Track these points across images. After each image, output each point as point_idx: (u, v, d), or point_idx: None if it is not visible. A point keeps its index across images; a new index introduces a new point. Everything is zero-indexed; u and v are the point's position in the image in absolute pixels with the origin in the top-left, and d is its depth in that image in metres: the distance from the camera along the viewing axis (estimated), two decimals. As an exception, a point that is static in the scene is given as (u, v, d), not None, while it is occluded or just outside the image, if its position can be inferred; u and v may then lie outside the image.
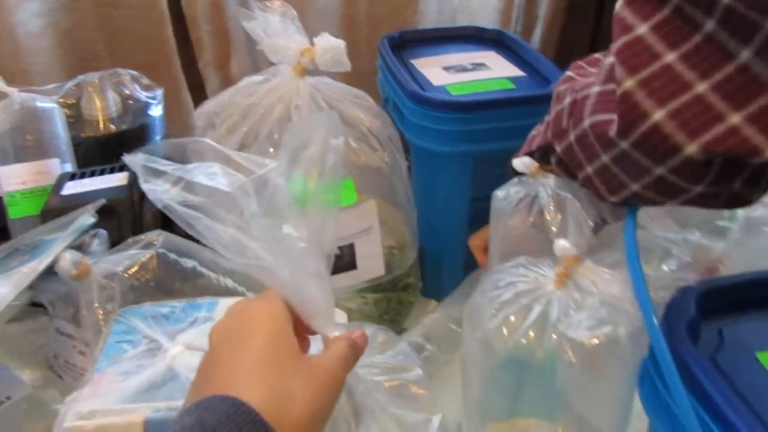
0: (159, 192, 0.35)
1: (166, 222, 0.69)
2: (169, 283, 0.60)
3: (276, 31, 0.69)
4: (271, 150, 0.69)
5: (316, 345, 0.38)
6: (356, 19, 1.10)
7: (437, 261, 0.83)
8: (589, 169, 0.46)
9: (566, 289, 0.49)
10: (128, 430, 0.39)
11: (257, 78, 0.74)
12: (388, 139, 0.73)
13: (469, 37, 0.93)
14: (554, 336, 0.47)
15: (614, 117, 0.39)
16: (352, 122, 0.71)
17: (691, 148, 0.36)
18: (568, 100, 0.49)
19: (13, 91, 0.77)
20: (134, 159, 0.37)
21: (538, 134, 0.56)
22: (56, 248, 0.56)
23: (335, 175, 0.38)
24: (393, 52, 0.85)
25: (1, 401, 0.56)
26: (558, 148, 0.50)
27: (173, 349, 0.45)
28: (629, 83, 0.37)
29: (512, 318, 0.49)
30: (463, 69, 0.82)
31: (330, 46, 0.68)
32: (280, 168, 0.38)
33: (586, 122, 0.44)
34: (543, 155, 0.55)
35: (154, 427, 0.39)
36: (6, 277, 0.58)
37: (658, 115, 0.37)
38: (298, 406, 0.32)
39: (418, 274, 0.81)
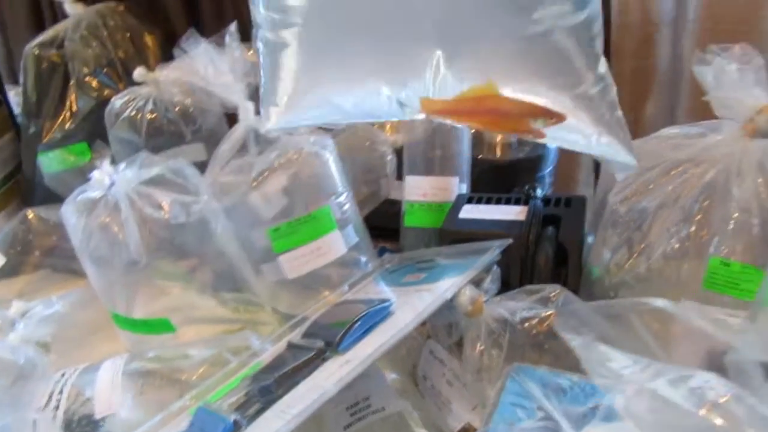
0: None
1: (555, 273, 0.65)
2: (555, 346, 0.55)
3: (731, 82, 0.59)
4: (698, 218, 0.59)
5: None
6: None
7: None
8: None
9: None
10: None
11: (690, 130, 0.65)
12: None
13: None
14: None
15: None
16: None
17: None
18: None
19: (433, 106, 0.81)
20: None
21: None
22: (459, 281, 0.55)
23: None
24: None
25: (377, 410, 0.58)
26: None
27: (578, 445, 0.40)
28: None
29: None
30: None
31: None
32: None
33: None
34: None
35: None
36: (404, 295, 0.60)
37: None
38: None
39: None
